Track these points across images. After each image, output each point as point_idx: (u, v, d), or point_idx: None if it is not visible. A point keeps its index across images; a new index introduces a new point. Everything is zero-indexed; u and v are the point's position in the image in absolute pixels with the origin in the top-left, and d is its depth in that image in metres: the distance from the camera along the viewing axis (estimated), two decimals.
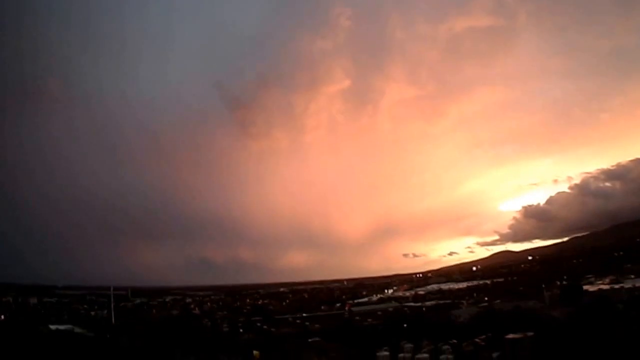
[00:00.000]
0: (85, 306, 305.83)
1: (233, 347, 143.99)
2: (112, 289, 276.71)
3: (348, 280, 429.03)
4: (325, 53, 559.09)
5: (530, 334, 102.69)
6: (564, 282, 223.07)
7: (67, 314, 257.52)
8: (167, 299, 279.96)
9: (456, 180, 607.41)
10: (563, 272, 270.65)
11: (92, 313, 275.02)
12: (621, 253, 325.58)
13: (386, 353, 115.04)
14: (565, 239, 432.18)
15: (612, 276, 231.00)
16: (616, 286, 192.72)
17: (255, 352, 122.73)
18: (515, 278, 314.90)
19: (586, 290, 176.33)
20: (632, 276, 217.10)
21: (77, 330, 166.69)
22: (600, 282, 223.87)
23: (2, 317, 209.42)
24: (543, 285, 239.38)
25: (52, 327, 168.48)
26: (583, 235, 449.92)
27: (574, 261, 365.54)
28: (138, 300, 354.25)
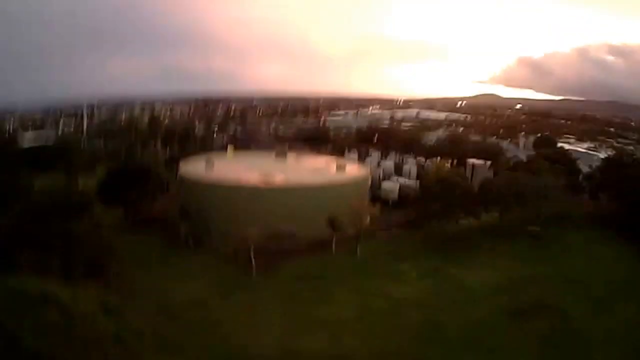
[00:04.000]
0: (51, 117, 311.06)
1: (208, 148, 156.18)
2: (85, 105, 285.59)
3: (324, 96, 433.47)
4: None
5: (489, 162, 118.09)
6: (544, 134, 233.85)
7: (34, 128, 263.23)
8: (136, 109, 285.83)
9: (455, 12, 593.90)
10: (546, 128, 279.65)
11: (59, 123, 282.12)
12: (611, 129, 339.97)
13: (354, 155, 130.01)
14: (558, 98, 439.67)
15: (592, 144, 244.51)
16: (591, 152, 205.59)
17: (228, 149, 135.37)
18: (495, 120, 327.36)
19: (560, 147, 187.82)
20: (610, 148, 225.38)
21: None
22: (578, 145, 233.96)
23: None
24: (522, 132, 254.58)
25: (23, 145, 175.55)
26: (577, 100, 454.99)
27: (561, 121, 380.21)
28: (104, 110, 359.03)
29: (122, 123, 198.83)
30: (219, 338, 47.93)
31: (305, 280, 63.61)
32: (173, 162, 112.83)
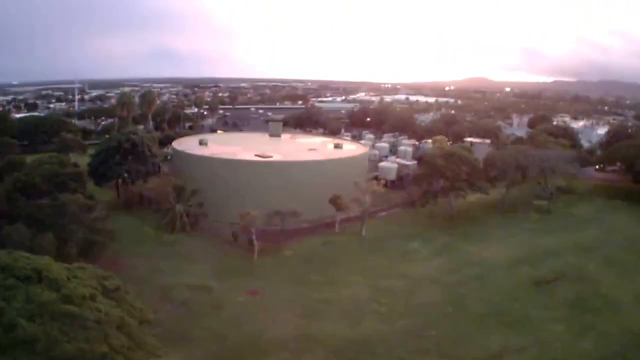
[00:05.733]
0: (43, 101, 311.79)
1: (199, 129, 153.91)
2: (76, 86, 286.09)
3: (313, 81, 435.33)
4: None
5: (487, 141, 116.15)
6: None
7: (26, 109, 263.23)
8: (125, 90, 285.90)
9: None
10: (537, 109, 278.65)
11: (51, 106, 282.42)
12: (605, 107, 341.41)
13: (347, 135, 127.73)
14: (550, 80, 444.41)
15: (587, 122, 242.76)
16: (588, 128, 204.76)
17: (219, 131, 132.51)
18: (486, 103, 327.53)
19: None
20: (606, 124, 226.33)
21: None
22: (574, 123, 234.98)
23: None
24: (514, 113, 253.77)
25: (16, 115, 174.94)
26: (569, 81, 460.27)
27: (553, 102, 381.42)
28: (94, 93, 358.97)
29: (113, 102, 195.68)
30: (228, 325, 45.03)
31: (312, 262, 60.84)
32: (165, 143, 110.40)
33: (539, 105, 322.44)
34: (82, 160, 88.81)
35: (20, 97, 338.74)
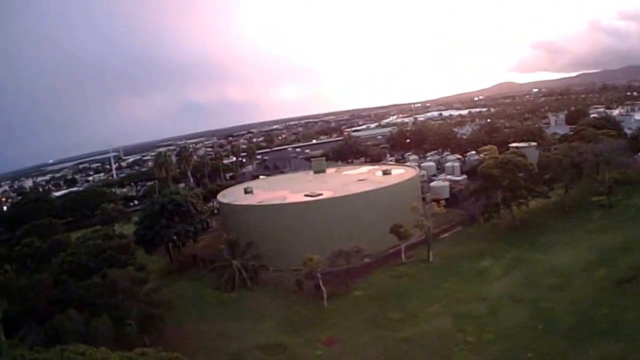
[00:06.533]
0: (81, 175, 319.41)
1: (240, 178, 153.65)
2: (111, 153, 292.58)
3: (342, 112, 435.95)
4: None
5: (534, 144, 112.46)
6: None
7: (66, 185, 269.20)
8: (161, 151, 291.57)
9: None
10: (570, 104, 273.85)
11: (89, 178, 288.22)
12: (634, 93, 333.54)
13: (391, 160, 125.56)
14: (574, 74, 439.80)
15: (622, 109, 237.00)
16: (625, 115, 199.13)
17: (261, 176, 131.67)
18: (519, 107, 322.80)
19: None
20: None
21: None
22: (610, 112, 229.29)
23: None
24: (548, 112, 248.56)
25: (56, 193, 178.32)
26: (593, 73, 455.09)
27: (583, 96, 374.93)
28: (131, 158, 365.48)
29: (151, 165, 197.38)
30: None
31: (385, 299, 58.06)
32: (209, 197, 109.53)
33: (570, 101, 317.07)
34: (128, 229, 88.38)
35: (58, 174, 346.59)
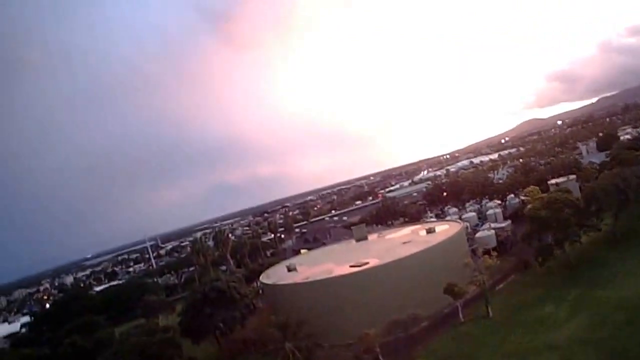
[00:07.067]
0: (121, 267, 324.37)
1: (281, 255, 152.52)
2: (148, 243, 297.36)
3: (374, 174, 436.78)
4: None
5: (573, 176, 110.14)
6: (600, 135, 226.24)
7: (107, 279, 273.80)
8: (197, 236, 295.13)
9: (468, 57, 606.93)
10: (597, 131, 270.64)
11: (130, 270, 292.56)
12: None
13: (431, 216, 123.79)
14: (594, 99, 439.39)
15: None
16: None
17: (302, 251, 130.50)
18: (547, 143, 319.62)
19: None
20: None
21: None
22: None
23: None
24: (577, 142, 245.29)
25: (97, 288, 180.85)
26: (612, 95, 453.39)
27: (607, 119, 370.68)
28: (169, 246, 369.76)
29: (189, 251, 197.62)
30: None
31: None
32: (252, 278, 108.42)
33: (596, 127, 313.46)
34: (172, 320, 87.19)
35: (98, 268, 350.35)
